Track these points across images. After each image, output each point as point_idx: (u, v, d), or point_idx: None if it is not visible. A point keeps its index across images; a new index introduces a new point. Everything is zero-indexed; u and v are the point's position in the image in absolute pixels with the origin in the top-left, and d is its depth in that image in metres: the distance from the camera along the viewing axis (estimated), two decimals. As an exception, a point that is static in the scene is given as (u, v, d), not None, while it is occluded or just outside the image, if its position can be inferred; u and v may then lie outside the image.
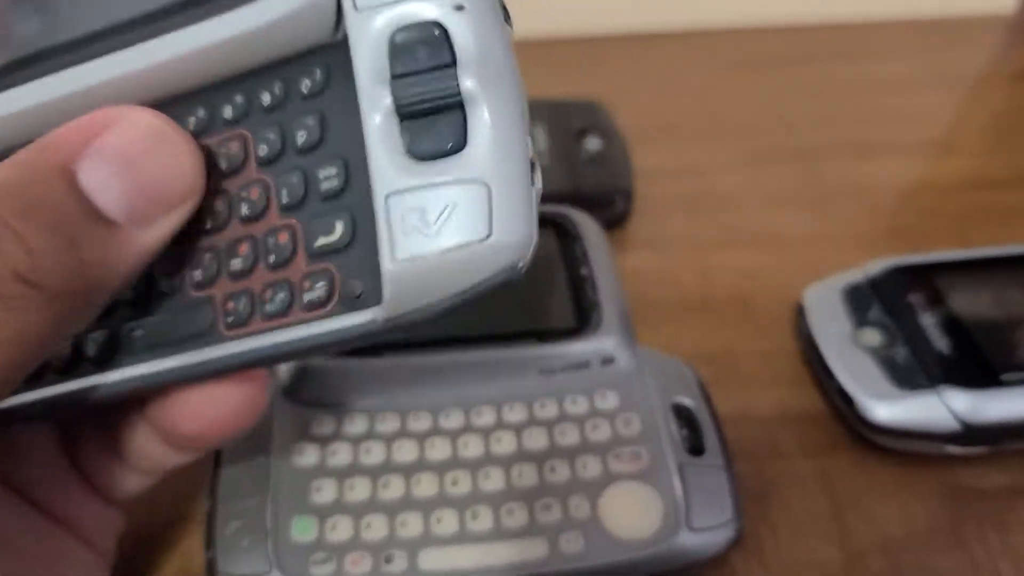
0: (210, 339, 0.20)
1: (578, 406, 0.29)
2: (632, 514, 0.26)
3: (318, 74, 0.19)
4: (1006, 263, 0.35)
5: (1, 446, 0.23)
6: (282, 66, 0.19)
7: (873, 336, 0.32)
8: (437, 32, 0.18)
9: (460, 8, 0.17)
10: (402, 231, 0.18)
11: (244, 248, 0.19)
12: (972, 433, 0.30)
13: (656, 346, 0.33)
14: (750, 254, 0.40)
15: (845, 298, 0.33)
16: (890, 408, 0.30)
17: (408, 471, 0.27)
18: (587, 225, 0.34)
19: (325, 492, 0.27)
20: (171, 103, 0.20)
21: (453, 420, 0.28)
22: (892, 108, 0.50)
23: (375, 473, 0.27)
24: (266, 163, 0.19)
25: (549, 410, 0.29)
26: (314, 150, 0.19)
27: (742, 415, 0.32)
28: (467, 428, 0.28)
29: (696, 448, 0.28)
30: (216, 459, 0.28)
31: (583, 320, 0.30)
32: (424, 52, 0.18)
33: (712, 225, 0.42)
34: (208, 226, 0.20)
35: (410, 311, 0.18)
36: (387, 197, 0.18)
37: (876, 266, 0.34)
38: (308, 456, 0.28)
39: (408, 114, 0.18)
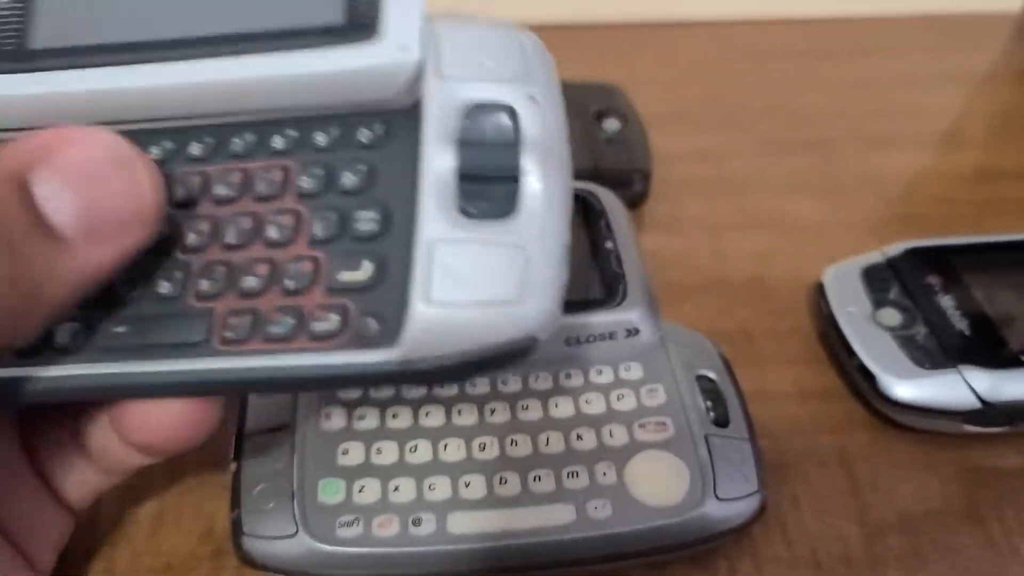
0: (200, 351, 0.19)
1: (603, 376, 0.29)
2: (659, 482, 0.27)
3: (378, 130, 0.20)
4: (1021, 246, 0.35)
5: None
6: (344, 116, 0.20)
7: (892, 316, 0.32)
8: (509, 115, 0.20)
9: (533, 100, 0.20)
10: (440, 276, 0.18)
11: (262, 269, 0.20)
12: (991, 412, 0.30)
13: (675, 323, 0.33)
14: (765, 237, 0.40)
15: (864, 279, 0.34)
16: (911, 386, 0.30)
17: (436, 436, 0.27)
18: (611, 201, 0.34)
19: (352, 455, 0.27)
20: (225, 125, 0.21)
21: (480, 387, 0.28)
22: (903, 102, 0.50)
23: (403, 437, 0.27)
24: (306, 196, 0.20)
25: (575, 379, 0.29)
26: (357, 195, 0.20)
27: (759, 393, 0.32)
28: (494, 395, 0.28)
29: (721, 420, 0.28)
30: (241, 422, 0.28)
31: (609, 292, 0.30)
32: (494, 129, 0.19)
33: (727, 208, 0.42)
34: (230, 241, 0.20)
35: (424, 358, 0.19)
36: (433, 243, 0.19)
37: (895, 248, 0.35)
38: (335, 420, 0.28)
39: (468, 176, 0.19)
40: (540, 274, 0.19)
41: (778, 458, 0.31)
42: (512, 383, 0.29)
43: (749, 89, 0.51)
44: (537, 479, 0.26)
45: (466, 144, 0.19)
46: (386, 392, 0.28)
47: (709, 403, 0.29)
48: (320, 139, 0.20)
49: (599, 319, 0.30)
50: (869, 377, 0.31)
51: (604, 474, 0.27)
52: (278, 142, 0.20)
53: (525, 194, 0.19)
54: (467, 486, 0.26)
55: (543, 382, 0.29)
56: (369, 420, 0.28)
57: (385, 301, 0.19)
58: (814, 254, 0.37)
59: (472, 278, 0.18)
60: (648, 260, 0.36)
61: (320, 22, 0.20)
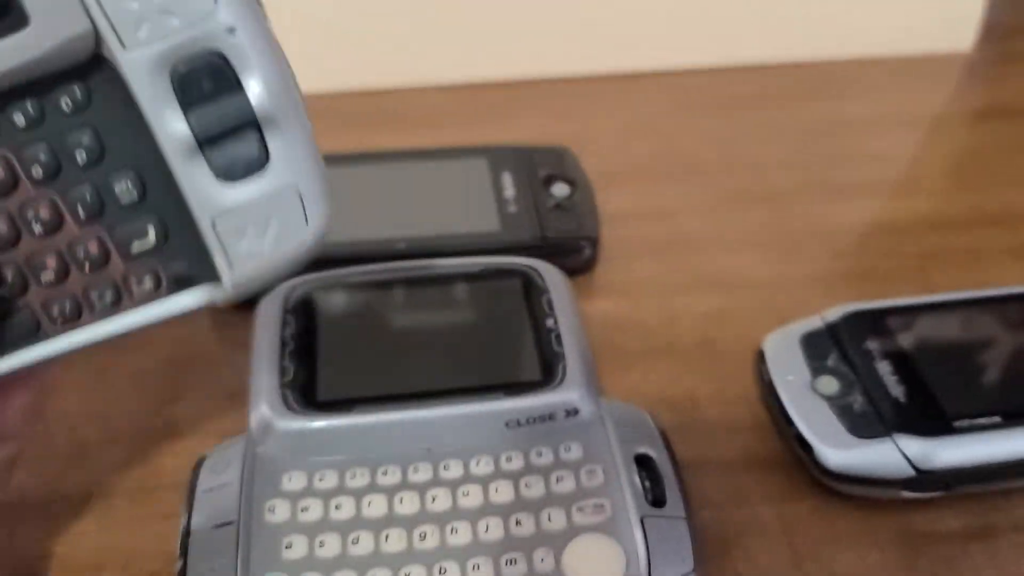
0: (42, 336, 0.22)
1: (543, 458, 0.30)
2: (595, 567, 0.27)
3: (78, 91, 0.20)
4: (961, 307, 0.36)
5: None
6: (28, 86, 0.20)
7: (830, 384, 0.33)
8: (218, 59, 0.19)
9: (231, 31, 0.19)
10: (235, 248, 0.21)
11: (52, 262, 0.21)
12: (926, 479, 0.30)
13: (621, 391, 0.34)
14: (716, 298, 0.41)
15: (804, 345, 0.34)
16: (846, 456, 0.31)
17: (378, 526, 0.28)
18: (554, 277, 0.35)
19: (296, 548, 0.27)
20: None
21: (422, 474, 0.29)
22: (856, 148, 0.51)
23: (345, 529, 0.28)
24: (44, 181, 0.20)
25: (515, 462, 0.29)
26: (99, 163, 0.20)
27: (705, 461, 0.33)
28: (435, 482, 0.29)
29: (658, 499, 0.29)
30: (188, 516, 0.28)
31: (548, 372, 0.31)
32: (210, 81, 0.19)
33: (678, 269, 0.42)
34: None
35: (248, 292, 0.22)
36: (213, 220, 0.20)
37: (835, 312, 0.35)
38: (279, 512, 0.28)
39: (209, 141, 0.20)
40: (315, 193, 0.21)
41: (720, 530, 0.31)
42: (454, 468, 0.29)
43: (701, 141, 0.51)
44: (476, 568, 0.27)
45: (192, 108, 0.19)
46: (331, 482, 0.29)
47: (647, 483, 0.29)
48: (20, 119, 0.20)
49: (538, 401, 0.30)
50: (806, 447, 0.31)
51: (542, 560, 0.27)
52: None
53: (272, 137, 0.20)
54: (407, 578, 0.27)
55: (484, 466, 0.29)
56: (312, 512, 0.28)
57: (182, 247, 0.21)
58: (765, 314, 0.38)
59: (265, 237, 0.21)
60: (597, 326, 0.37)
61: None
